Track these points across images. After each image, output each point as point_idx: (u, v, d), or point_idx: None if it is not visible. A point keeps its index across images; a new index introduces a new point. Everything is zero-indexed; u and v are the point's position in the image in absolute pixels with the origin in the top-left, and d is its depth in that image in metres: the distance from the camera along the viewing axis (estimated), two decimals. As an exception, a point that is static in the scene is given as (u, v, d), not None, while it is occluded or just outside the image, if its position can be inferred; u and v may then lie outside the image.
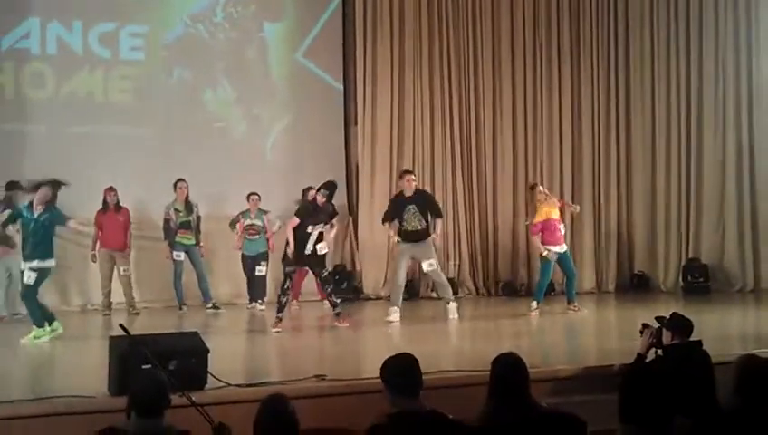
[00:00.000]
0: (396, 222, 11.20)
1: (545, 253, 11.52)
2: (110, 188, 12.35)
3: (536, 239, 11.71)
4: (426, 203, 11.18)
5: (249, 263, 12.89)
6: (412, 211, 10.98)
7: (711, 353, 6.27)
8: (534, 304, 11.63)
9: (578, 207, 13.17)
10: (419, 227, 11.02)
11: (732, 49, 14.47)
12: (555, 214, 11.66)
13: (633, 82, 14.94)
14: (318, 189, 10.63)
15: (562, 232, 11.72)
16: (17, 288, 11.16)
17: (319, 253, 10.39)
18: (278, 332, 10.02)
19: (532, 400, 4.81)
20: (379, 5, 14.25)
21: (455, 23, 14.49)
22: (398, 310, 10.96)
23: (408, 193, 11.06)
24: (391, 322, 10.75)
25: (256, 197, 12.90)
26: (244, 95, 14.04)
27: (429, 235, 11.12)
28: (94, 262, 12.37)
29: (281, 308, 10.21)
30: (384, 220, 11.47)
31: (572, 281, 11.99)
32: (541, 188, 12.07)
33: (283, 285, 10.38)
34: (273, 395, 4.39)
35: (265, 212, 13.00)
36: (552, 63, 14.80)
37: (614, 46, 14.97)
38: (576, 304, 11.74)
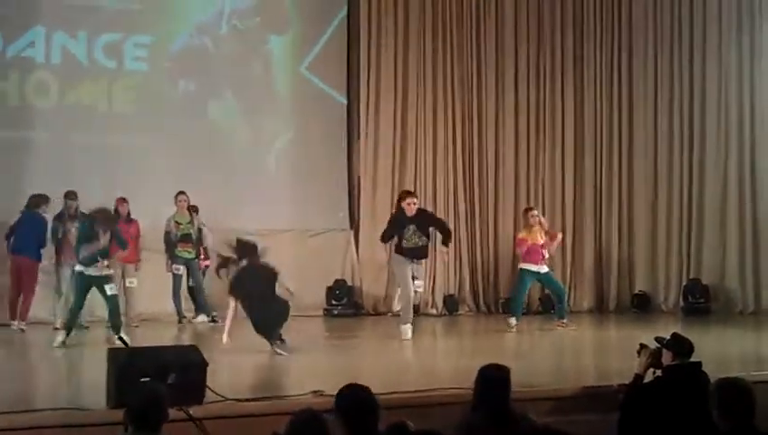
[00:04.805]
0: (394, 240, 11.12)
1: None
2: (123, 199, 12.10)
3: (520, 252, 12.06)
4: (428, 222, 11.16)
5: None
6: (412, 230, 10.89)
7: (710, 375, 6.24)
8: (513, 320, 11.80)
9: (560, 235, 12.99)
10: (420, 244, 10.96)
11: (735, 66, 14.47)
12: (539, 239, 11.85)
13: (636, 99, 15.00)
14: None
15: (544, 256, 11.88)
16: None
17: None
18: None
19: (518, 413, 4.83)
20: (384, 20, 14.28)
21: (458, 38, 14.52)
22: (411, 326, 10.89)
23: (410, 214, 10.95)
24: (408, 340, 10.66)
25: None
26: (249, 107, 14.04)
27: (428, 253, 11.23)
28: None
29: None
30: (383, 239, 11.42)
31: (562, 299, 12.20)
32: (534, 212, 12.23)
33: None
34: (306, 410, 4.35)
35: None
36: (555, 81, 14.87)
37: (617, 59, 15.04)
38: (566, 320, 11.87)
